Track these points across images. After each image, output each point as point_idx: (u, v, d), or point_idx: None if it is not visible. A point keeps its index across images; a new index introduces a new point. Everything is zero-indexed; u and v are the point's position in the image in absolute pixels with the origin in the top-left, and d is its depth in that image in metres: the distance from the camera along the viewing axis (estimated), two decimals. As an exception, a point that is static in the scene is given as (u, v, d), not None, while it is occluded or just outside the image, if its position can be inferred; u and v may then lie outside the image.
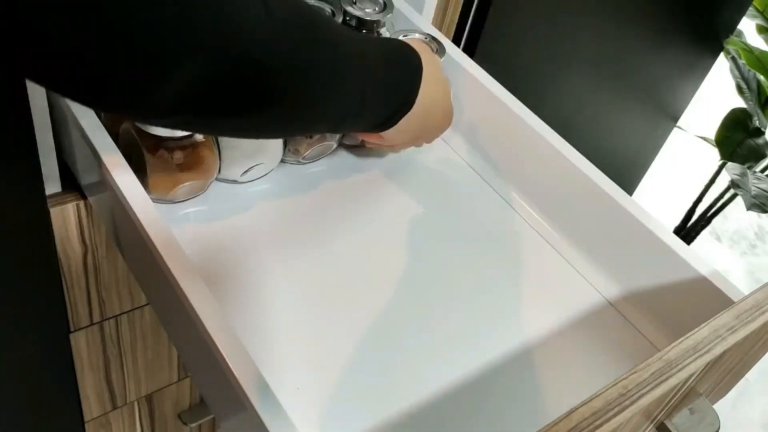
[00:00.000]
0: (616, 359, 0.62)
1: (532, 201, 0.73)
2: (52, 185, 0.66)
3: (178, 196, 0.62)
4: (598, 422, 0.38)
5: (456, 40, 0.92)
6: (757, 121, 1.66)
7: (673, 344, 0.43)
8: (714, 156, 1.74)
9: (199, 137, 0.60)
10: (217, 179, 0.65)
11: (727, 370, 0.50)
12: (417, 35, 0.75)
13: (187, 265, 0.51)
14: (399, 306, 0.62)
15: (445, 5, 0.86)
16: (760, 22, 1.59)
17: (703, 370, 0.43)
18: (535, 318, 0.63)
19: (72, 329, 0.78)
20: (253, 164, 0.65)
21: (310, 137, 0.67)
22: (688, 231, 1.95)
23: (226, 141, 0.62)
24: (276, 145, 0.66)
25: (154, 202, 0.56)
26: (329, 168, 0.72)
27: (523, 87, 0.82)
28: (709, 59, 1.51)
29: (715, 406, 0.49)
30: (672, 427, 0.47)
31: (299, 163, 0.71)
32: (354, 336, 0.59)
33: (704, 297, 0.60)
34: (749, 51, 1.54)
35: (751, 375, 1.86)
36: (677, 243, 0.62)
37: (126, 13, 0.30)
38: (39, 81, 0.34)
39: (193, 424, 1.03)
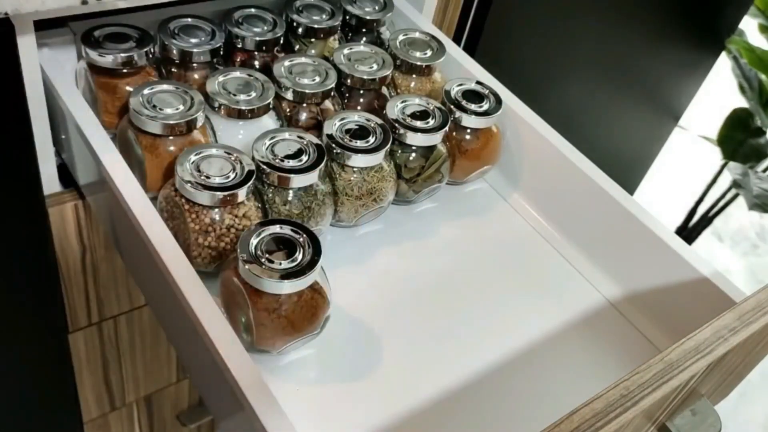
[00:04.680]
0: (617, 360, 0.61)
1: (532, 200, 0.72)
2: (50, 185, 0.66)
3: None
4: (599, 423, 0.37)
5: (456, 39, 0.92)
6: (759, 121, 1.66)
7: (674, 345, 0.43)
8: (716, 155, 1.74)
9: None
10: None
11: (728, 371, 0.50)
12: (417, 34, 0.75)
13: (185, 265, 0.51)
14: (398, 306, 0.61)
15: (446, 4, 0.86)
16: (762, 21, 1.58)
17: (704, 371, 0.43)
18: (536, 318, 0.63)
19: (70, 330, 0.78)
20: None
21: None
22: (689, 231, 1.95)
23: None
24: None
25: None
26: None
27: (524, 86, 0.82)
28: (710, 58, 1.51)
29: (717, 407, 0.49)
30: (673, 429, 0.46)
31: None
32: (353, 335, 0.58)
33: (706, 297, 0.59)
34: (751, 50, 1.54)
35: (753, 376, 1.85)
36: (678, 243, 0.62)
37: None
38: None
39: (192, 425, 1.03)
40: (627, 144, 1.57)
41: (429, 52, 0.73)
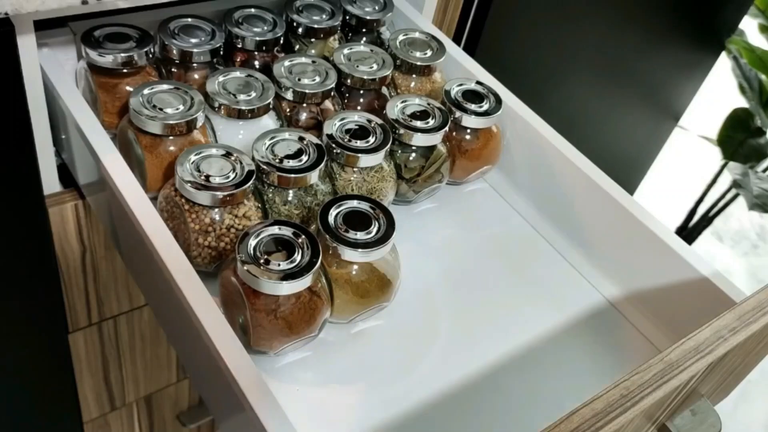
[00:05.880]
0: (617, 360, 0.61)
1: (532, 200, 0.72)
2: (50, 185, 0.66)
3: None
4: (599, 424, 0.37)
5: (456, 39, 0.92)
6: (759, 121, 1.66)
7: (674, 345, 0.42)
8: (716, 156, 1.74)
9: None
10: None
11: (728, 372, 0.50)
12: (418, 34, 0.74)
13: (185, 265, 0.51)
14: (397, 305, 0.61)
15: (446, 4, 0.86)
16: (762, 21, 1.58)
17: (704, 371, 0.43)
18: (536, 318, 0.63)
19: (70, 330, 0.78)
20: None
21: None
22: (689, 231, 1.95)
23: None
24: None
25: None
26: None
27: (524, 86, 0.82)
28: (710, 59, 1.51)
29: (717, 408, 0.49)
30: (673, 429, 0.46)
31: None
32: (353, 335, 0.58)
33: (706, 298, 0.59)
34: (751, 50, 1.54)
35: (753, 376, 1.85)
36: (678, 243, 0.61)
37: None
38: None
39: (192, 425, 1.03)
40: (627, 144, 1.57)
41: (429, 52, 0.73)
